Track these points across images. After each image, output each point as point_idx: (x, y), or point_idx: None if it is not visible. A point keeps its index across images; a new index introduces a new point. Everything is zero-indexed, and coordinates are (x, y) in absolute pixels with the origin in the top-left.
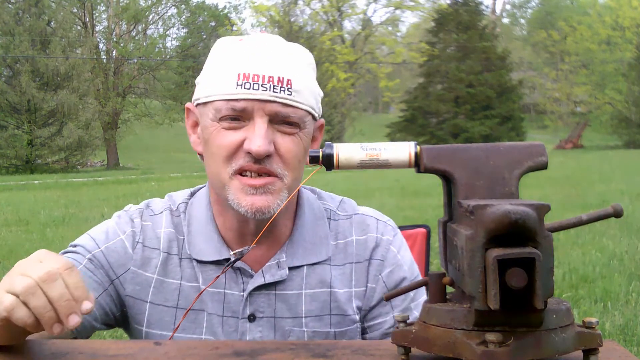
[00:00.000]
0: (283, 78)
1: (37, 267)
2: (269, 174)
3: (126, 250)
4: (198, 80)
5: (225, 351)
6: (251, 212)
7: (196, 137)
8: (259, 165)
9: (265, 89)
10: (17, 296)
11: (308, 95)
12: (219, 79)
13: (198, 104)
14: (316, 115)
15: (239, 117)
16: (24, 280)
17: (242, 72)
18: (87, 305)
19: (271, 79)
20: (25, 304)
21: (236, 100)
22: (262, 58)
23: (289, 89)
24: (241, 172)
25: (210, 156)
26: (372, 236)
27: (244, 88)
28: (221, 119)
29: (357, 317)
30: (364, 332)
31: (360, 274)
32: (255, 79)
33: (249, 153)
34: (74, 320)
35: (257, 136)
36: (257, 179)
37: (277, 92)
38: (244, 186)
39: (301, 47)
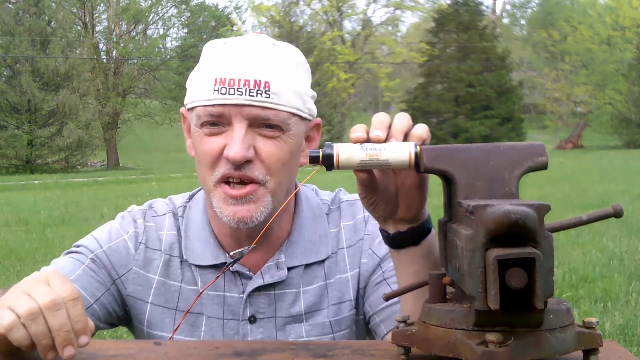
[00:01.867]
0: (260, 81)
1: (44, 290)
2: (251, 180)
3: (128, 250)
4: (187, 84)
5: (225, 351)
6: (233, 222)
7: (190, 142)
8: (240, 172)
9: (240, 93)
10: (19, 317)
11: (290, 96)
12: (199, 84)
13: (188, 109)
14: (304, 115)
15: (218, 122)
16: (28, 303)
17: (219, 76)
18: (84, 340)
19: (247, 82)
20: (25, 326)
21: (212, 105)
22: (240, 62)
23: (267, 92)
24: (225, 180)
25: (197, 163)
26: (359, 217)
27: (220, 93)
28: (202, 125)
29: (354, 302)
30: (368, 322)
31: (354, 257)
32: (231, 83)
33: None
34: (69, 352)
35: (234, 142)
36: (239, 189)
37: (253, 96)
38: (226, 196)
39: (290, 47)
